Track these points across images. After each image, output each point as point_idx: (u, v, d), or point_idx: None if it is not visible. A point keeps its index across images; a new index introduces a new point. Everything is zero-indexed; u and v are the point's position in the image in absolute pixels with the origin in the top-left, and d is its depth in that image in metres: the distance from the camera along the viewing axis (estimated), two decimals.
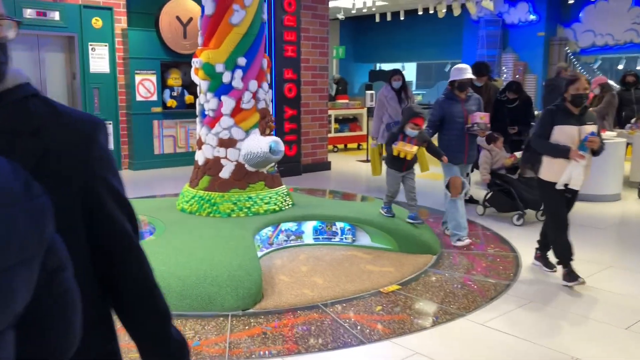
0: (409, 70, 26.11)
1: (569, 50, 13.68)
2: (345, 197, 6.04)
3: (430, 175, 8.18)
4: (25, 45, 8.57)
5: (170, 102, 9.86)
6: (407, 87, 7.72)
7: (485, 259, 4.93)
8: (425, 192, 7.06)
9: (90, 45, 8.95)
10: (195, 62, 4.92)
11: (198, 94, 5.11)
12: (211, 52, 4.84)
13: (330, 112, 11.85)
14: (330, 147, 12.06)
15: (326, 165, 9.87)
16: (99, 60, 9.08)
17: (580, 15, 13.48)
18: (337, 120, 12.36)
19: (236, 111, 4.88)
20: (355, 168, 10.20)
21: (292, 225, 5.00)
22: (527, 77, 14.05)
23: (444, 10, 13.56)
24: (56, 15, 8.57)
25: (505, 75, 14.11)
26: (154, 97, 9.65)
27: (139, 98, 9.46)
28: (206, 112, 4.98)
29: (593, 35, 13.33)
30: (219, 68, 4.82)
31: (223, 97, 4.86)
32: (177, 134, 9.97)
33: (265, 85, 5.09)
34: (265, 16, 5.08)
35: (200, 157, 5.09)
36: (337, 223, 5.08)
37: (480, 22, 14.26)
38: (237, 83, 4.85)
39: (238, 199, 4.85)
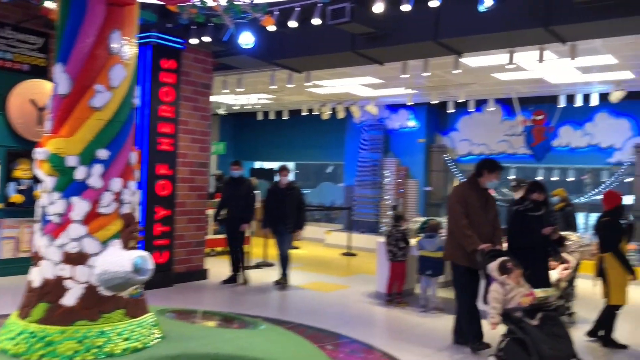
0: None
1: (448, 158, 14.03)
2: (229, 323, 4.96)
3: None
4: None
5: (15, 197, 8.27)
6: None
7: None
8: None
9: None
10: (40, 153, 3.78)
11: (40, 193, 3.91)
12: (62, 140, 3.74)
13: (209, 211, 10.81)
14: (208, 250, 10.88)
15: (202, 274, 8.66)
16: None
17: (457, 124, 14.01)
18: None
19: (91, 217, 3.74)
20: None
21: None
22: (409, 182, 14.13)
23: (328, 113, 13.44)
24: None
25: (388, 179, 14.08)
26: None
27: None
28: (49, 217, 3.78)
29: (469, 144, 13.82)
30: (71, 161, 3.72)
31: (74, 199, 3.72)
32: (20, 236, 8.28)
33: (133, 185, 4.03)
34: (137, 101, 4.12)
35: (36, 276, 3.80)
36: None
37: (363, 126, 14.33)
38: (95, 181, 3.75)
39: (85, 335, 3.59)
